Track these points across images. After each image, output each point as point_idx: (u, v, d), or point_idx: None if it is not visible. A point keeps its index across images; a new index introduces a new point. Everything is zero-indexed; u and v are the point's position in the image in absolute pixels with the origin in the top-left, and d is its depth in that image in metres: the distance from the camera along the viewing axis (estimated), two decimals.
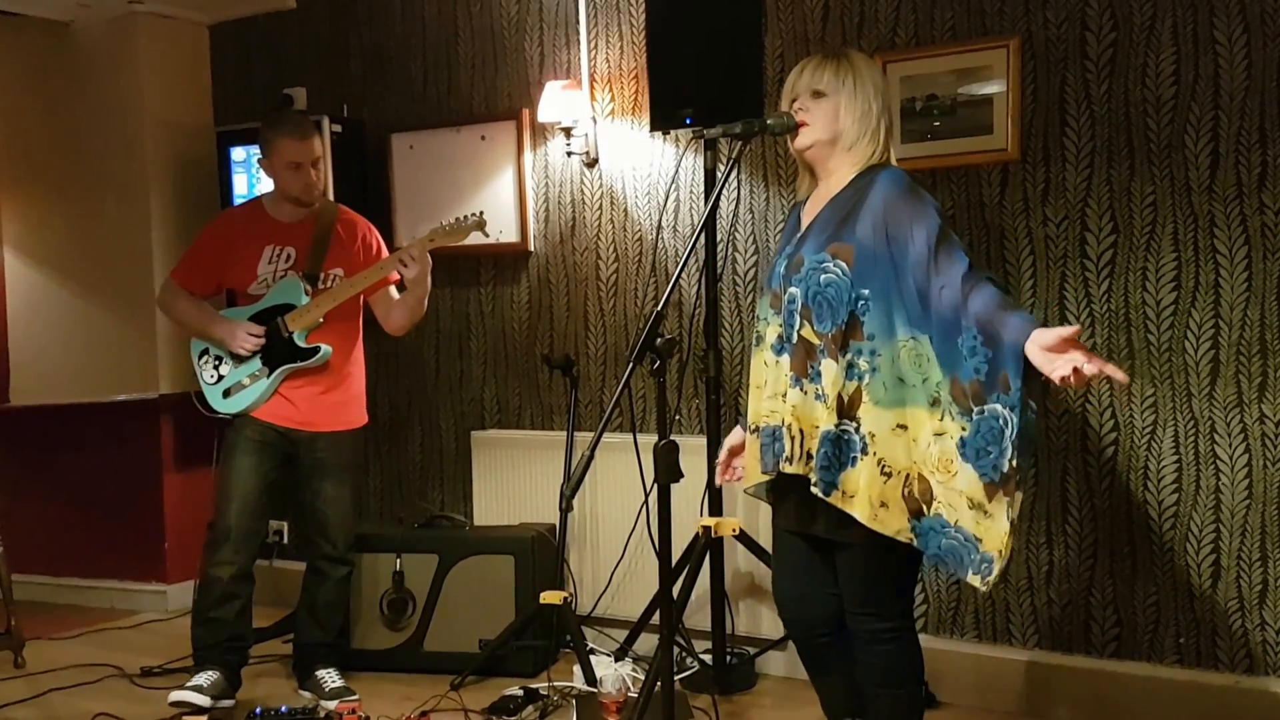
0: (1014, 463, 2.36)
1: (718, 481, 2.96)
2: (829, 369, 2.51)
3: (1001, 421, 2.36)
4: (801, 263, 2.58)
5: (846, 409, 2.51)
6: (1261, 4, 3.20)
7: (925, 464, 2.47)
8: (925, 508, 2.47)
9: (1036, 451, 2.41)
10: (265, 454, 3.79)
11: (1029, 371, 2.33)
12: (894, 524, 2.48)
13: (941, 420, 2.45)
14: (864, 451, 2.49)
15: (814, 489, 2.51)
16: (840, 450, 2.50)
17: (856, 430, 2.50)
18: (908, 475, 2.46)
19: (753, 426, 2.70)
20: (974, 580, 2.43)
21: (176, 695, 3.66)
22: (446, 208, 4.49)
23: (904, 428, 2.47)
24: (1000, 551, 2.39)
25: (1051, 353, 2.27)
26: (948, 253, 2.45)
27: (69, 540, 5.27)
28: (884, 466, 2.47)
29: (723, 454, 2.90)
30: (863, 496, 2.47)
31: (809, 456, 2.54)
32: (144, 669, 4.22)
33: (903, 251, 2.48)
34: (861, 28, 3.79)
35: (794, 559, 2.73)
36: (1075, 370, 2.22)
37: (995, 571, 2.40)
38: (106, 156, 5.12)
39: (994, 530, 2.39)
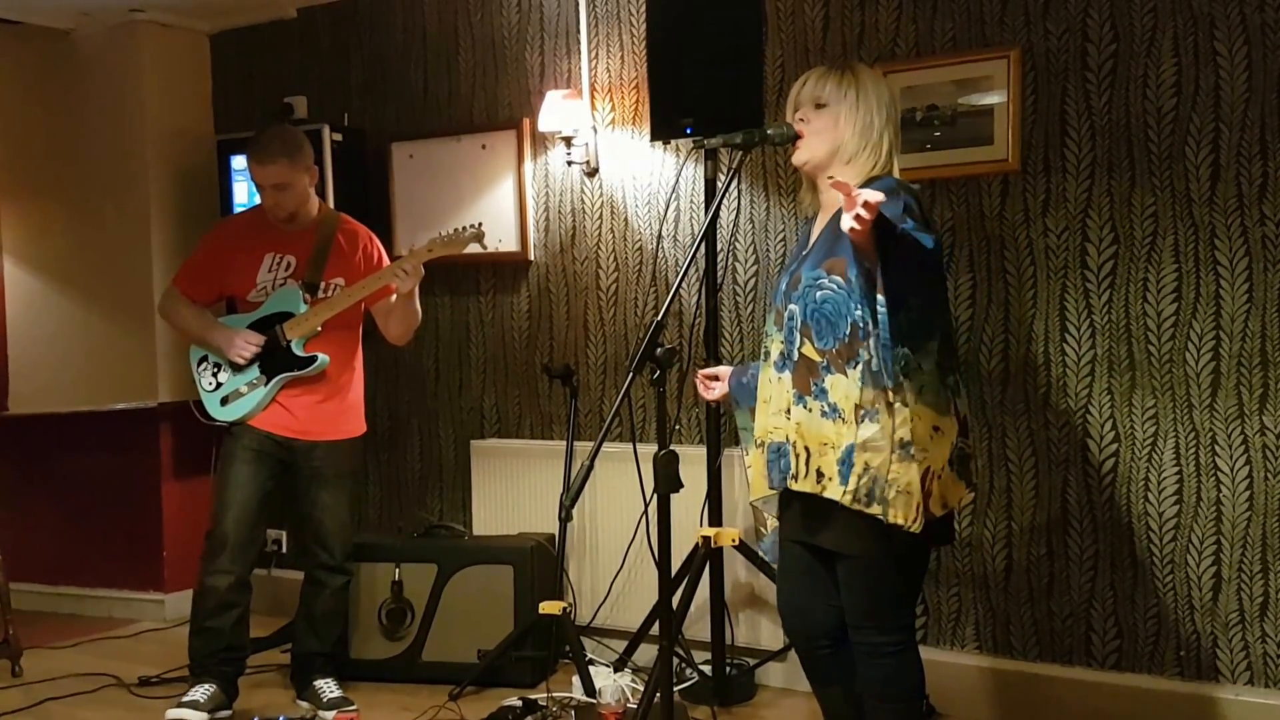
0: (876, 367, 2.41)
1: (698, 386, 2.92)
2: (838, 384, 2.50)
3: (860, 321, 2.43)
4: (800, 280, 2.58)
5: None
6: (1262, 16, 3.21)
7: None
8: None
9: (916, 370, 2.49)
10: (263, 463, 3.78)
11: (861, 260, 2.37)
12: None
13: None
14: None
15: (855, 506, 2.50)
16: None
17: None
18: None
19: (758, 441, 2.69)
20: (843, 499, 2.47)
21: (173, 713, 3.65)
22: (447, 217, 4.49)
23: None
24: (865, 463, 2.45)
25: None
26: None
27: (67, 549, 5.26)
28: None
29: (708, 370, 2.90)
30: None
31: (819, 474, 2.53)
32: (142, 678, 4.21)
33: None
34: (862, 38, 3.79)
35: (797, 569, 2.73)
36: (855, 216, 2.18)
37: (854, 482, 2.44)
38: (107, 164, 5.12)
39: (869, 444, 2.44)
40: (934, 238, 2.37)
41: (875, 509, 2.44)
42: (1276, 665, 3.28)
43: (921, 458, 2.45)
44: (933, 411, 2.48)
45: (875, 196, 2.15)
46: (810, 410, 2.54)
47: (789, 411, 2.58)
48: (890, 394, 2.44)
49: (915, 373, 2.46)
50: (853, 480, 2.45)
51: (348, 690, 3.90)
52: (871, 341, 2.43)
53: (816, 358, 2.53)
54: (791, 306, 2.59)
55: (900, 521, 2.45)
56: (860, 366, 2.47)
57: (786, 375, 2.59)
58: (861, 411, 2.45)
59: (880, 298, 2.36)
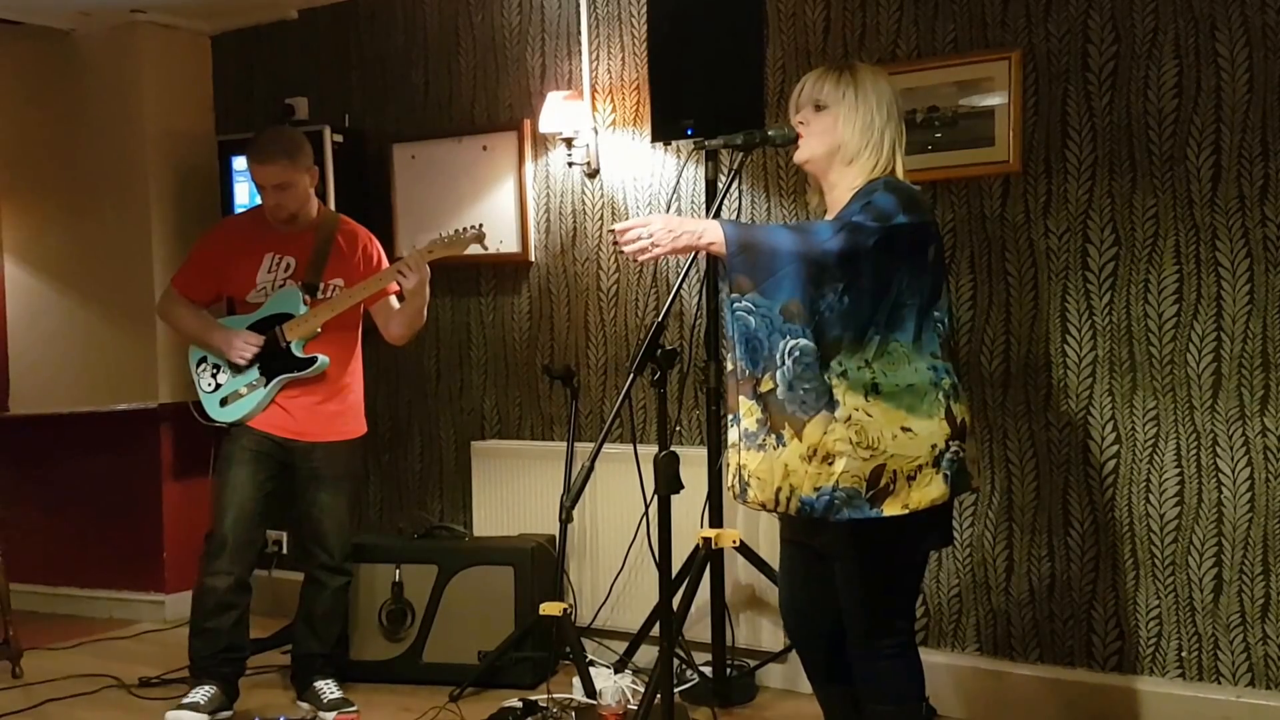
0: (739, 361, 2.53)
1: None
2: None
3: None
4: None
5: None
6: (1264, 17, 3.20)
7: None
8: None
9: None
10: (262, 464, 3.78)
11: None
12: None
13: None
14: None
15: (736, 500, 2.57)
16: None
17: None
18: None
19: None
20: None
21: (173, 715, 3.64)
22: (448, 218, 4.48)
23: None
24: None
25: None
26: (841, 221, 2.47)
27: (67, 550, 5.26)
28: None
29: None
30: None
31: None
32: (142, 679, 4.20)
33: None
34: (863, 39, 3.79)
35: (797, 570, 2.73)
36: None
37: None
38: (107, 165, 5.11)
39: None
40: (810, 241, 2.43)
41: (749, 498, 2.56)
42: (1278, 667, 3.28)
43: (866, 456, 2.43)
44: (900, 411, 2.46)
45: (622, 235, 2.45)
46: None
47: None
48: (751, 386, 2.52)
49: (858, 369, 2.45)
50: (728, 476, 2.60)
51: (348, 691, 3.90)
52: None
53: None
54: None
55: (757, 507, 2.55)
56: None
57: None
58: (732, 415, 2.59)
59: (754, 296, 2.46)
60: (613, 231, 2.43)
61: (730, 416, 2.62)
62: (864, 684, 2.65)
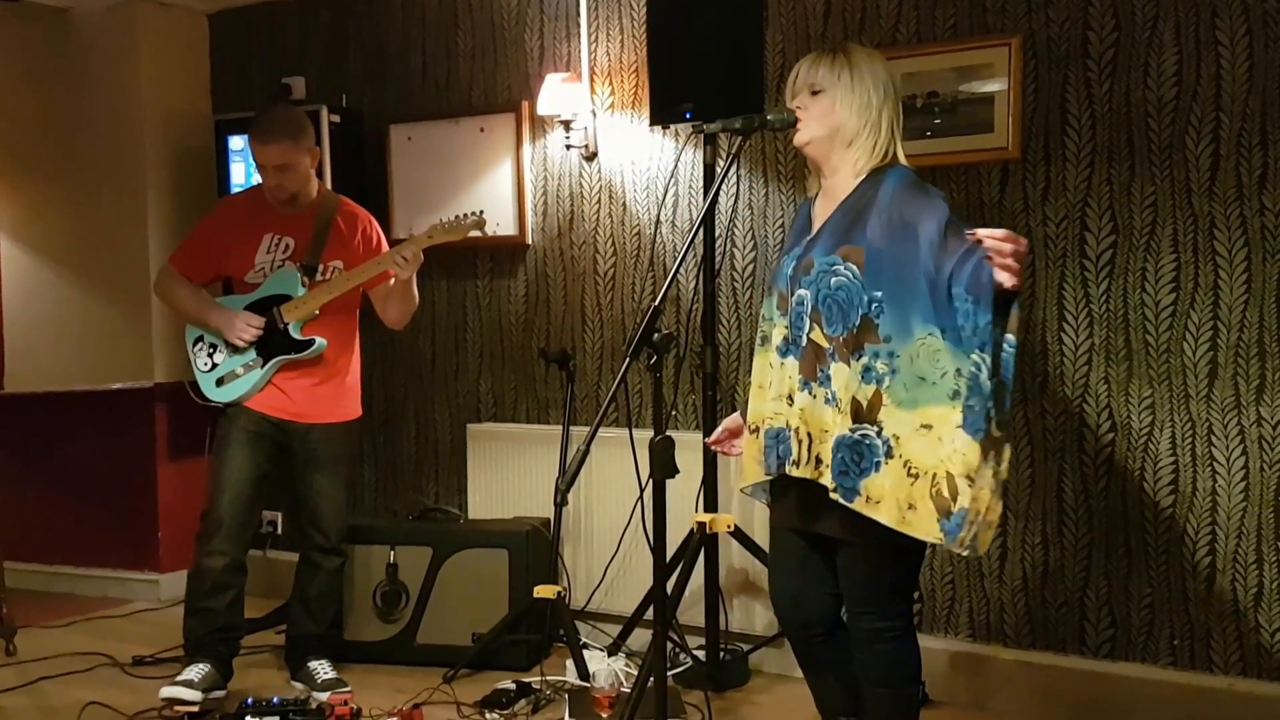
0: (992, 414, 2.36)
1: (709, 442, 2.92)
2: (840, 372, 2.49)
3: (975, 368, 2.37)
4: (811, 265, 2.56)
5: (865, 413, 2.47)
6: (1264, 5, 3.20)
7: (951, 460, 2.40)
8: (953, 505, 2.40)
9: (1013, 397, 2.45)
10: (258, 445, 3.78)
11: (997, 304, 2.36)
12: (923, 526, 2.42)
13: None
14: (889, 455, 2.44)
15: (834, 495, 2.47)
16: (860, 455, 2.46)
17: (879, 434, 2.45)
18: (934, 475, 2.41)
19: (753, 426, 2.68)
20: (953, 547, 2.41)
21: (167, 691, 3.64)
22: (444, 200, 4.48)
23: (928, 427, 2.42)
24: (977, 511, 2.37)
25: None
26: (956, 234, 2.43)
27: (62, 528, 5.26)
28: (910, 468, 2.43)
29: (719, 432, 2.88)
30: (889, 501, 2.44)
31: (818, 461, 2.52)
32: (136, 658, 4.21)
33: (914, 243, 2.44)
34: (863, 24, 3.78)
35: (791, 557, 2.72)
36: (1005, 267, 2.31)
37: (967, 531, 2.38)
38: (104, 144, 5.10)
39: (978, 494, 2.39)
40: None
41: (973, 553, 2.42)
42: (1270, 656, 3.29)
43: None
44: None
45: (1003, 244, 2.29)
46: (814, 396, 2.53)
47: (791, 397, 2.57)
48: (1001, 431, 2.39)
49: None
50: (966, 529, 2.38)
51: (342, 672, 3.91)
52: (980, 387, 2.38)
53: (824, 344, 2.52)
54: (801, 291, 2.57)
55: (980, 553, 2.43)
56: (864, 360, 2.46)
57: (791, 360, 2.58)
58: (984, 459, 2.39)
59: (1009, 336, 2.37)
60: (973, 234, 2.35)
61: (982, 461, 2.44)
62: (864, 667, 2.65)
